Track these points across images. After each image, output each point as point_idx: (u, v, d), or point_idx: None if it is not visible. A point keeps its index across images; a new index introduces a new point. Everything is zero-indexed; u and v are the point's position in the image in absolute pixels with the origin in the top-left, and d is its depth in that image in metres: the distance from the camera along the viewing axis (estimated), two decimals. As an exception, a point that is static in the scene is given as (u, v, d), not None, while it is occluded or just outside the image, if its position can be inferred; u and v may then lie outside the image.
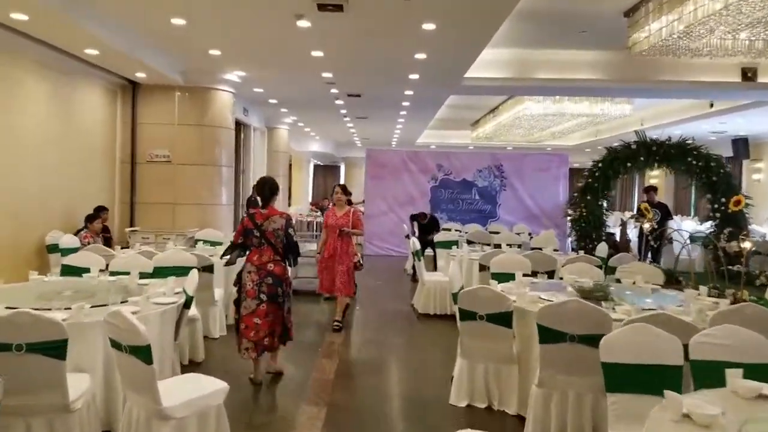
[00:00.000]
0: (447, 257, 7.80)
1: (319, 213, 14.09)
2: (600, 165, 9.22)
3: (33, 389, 2.85)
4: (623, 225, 9.35)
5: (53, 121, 7.28)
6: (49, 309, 3.38)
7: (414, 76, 8.86)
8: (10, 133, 6.46)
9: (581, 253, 7.57)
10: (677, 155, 9.06)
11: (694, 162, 9.03)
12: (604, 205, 9.42)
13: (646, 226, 8.43)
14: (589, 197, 9.26)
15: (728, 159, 13.89)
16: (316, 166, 27.14)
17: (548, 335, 3.48)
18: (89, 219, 7.03)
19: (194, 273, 4.29)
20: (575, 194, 9.69)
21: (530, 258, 5.91)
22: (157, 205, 8.88)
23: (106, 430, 3.39)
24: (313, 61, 7.82)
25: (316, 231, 11.93)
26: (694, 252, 10.19)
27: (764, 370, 2.66)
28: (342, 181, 26.73)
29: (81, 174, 7.95)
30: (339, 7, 5.55)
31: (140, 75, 8.22)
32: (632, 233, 11.89)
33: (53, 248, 6.51)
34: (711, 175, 9.05)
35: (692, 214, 17.55)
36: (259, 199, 4.68)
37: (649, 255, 9.08)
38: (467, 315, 4.09)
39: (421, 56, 7.54)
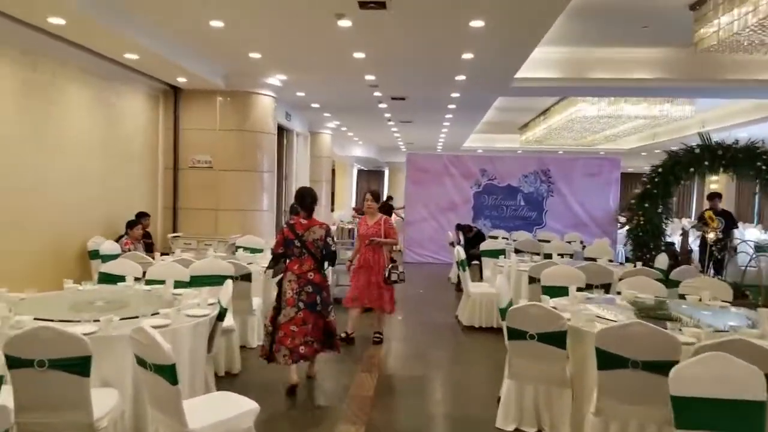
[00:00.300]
0: (494, 267, 7.43)
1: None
2: (660, 170, 8.67)
3: (56, 407, 2.71)
4: (684, 234, 8.75)
5: (96, 127, 7.33)
6: (79, 321, 3.27)
7: (461, 78, 8.55)
8: (53, 139, 6.52)
9: (639, 264, 7.07)
10: (745, 159, 8.41)
11: (764, 167, 8.37)
12: (664, 212, 8.84)
13: (711, 235, 7.86)
14: (647, 204, 8.71)
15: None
16: (359, 171, 27.09)
17: (608, 360, 3.14)
18: (130, 225, 7.03)
19: (228, 284, 4.13)
20: (632, 201, 9.14)
21: (584, 270, 5.51)
22: (200, 210, 8.86)
23: (134, 448, 3.26)
24: (355, 63, 7.63)
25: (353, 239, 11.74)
26: (762, 263, 9.49)
27: None
28: (386, 187, 26.59)
29: (123, 180, 8.00)
30: (381, 5, 5.32)
31: (181, 80, 8.22)
32: (693, 243, 11.20)
33: (95, 254, 6.53)
34: None
35: (756, 221, 16.51)
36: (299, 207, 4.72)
37: (711, 266, 8.48)
38: (516, 334, 3.78)
39: (468, 56, 7.24)
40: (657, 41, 8.26)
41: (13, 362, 2.64)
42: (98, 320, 3.24)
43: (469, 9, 5.55)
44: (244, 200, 8.92)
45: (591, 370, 3.55)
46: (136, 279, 4.72)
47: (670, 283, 5.35)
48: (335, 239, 5.27)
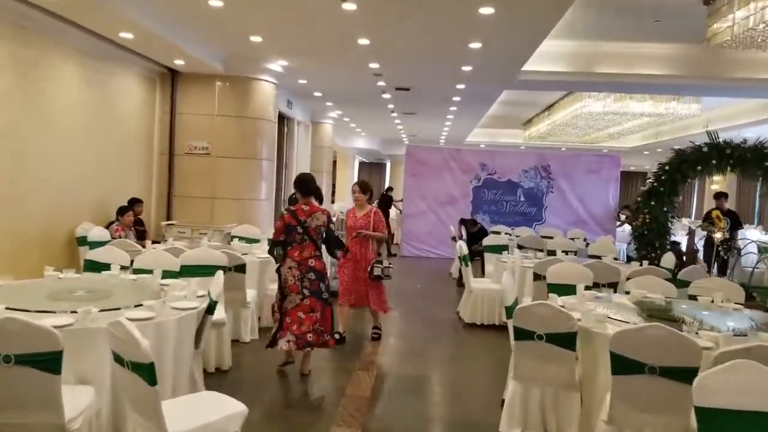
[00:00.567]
0: (497, 263, 7.21)
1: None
2: (667, 168, 8.43)
3: (23, 406, 2.48)
4: (691, 234, 8.53)
5: (88, 108, 7.06)
6: (54, 312, 3.05)
7: (467, 68, 8.29)
8: (43, 119, 6.25)
9: (645, 263, 6.85)
10: (753, 159, 8.16)
11: None
12: (670, 211, 8.61)
13: (718, 235, 7.65)
14: (653, 202, 8.47)
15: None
16: (361, 164, 26.83)
17: (623, 365, 2.93)
18: (121, 211, 6.78)
19: (219, 275, 3.90)
20: (639, 198, 8.92)
21: (591, 268, 5.28)
22: (195, 198, 8.62)
23: (112, 450, 3.04)
24: (359, 49, 7.38)
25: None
26: (755, 263, 9.27)
27: None
28: (387, 180, 26.33)
29: (116, 164, 7.73)
30: (388, -13, 5.08)
31: (179, 62, 7.95)
32: (698, 243, 10.98)
33: (83, 241, 6.29)
34: None
35: (756, 222, 16.34)
36: (299, 194, 4.63)
37: (715, 267, 8.28)
38: (524, 334, 3.56)
39: (476, 45, 6.98)
40: (668, 36, 8.05)
41: (-24, 356, 2.42)
42: (76, 311, 3.01)
43: (480, -6, 5.31)
44: (241, 189, 8.67)
45: (601, 373, 3.36)
46: (123, 268, 4.49)
47: (678, 283, 5.13)
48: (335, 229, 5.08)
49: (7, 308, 2.95)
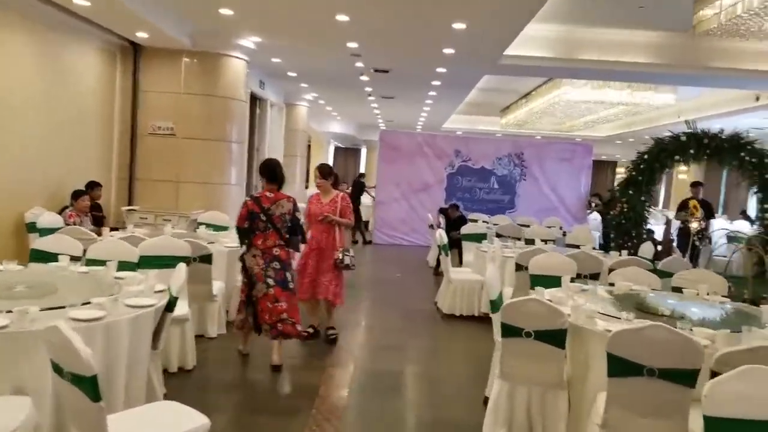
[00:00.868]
0: (476, 252, 6.98)
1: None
2: (646, 157, 8.31)
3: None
4: (668, 223, 8.46)
5: (39, 83, 6.50)
6: (-14, 311, 2.68)
7: (449, 51, 7.99)
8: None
9: (624, 253, 6.71)
10: (730, 149, 8.12)
11: (747, 157, 8.11)
12: (647, 200, 8.50)
13: (694, 225, 7.57)
14: (631, 191, 8.35)
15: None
16: (336, 149, 26.34)
17: (620, 367, 2.72)
18: (76, 195, 6.29)
19: (181, 268, 3.55)
20: (617, 187, 8.81)
21: (573, 258, 5.09)
22: (159, 182, 8.15)
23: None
24: (337, 26, 7.00)
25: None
26: (731, 253, 9.27)
27: None
28: (362, 166, 25.90)
29: (71, 145, 7.19)
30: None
31: (141, 35, 7.43)
32: (672, 232, 10.98)
33: (33, 228, 5.80)
34: (764, 173, 8.12)
35: (721, 212, 16.60)
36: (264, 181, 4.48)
37: (687, 256, 8.22)
38: (511, 331, 3.32)
39: (460, 26, 6.67)
40: (651, 24, 7.94)
41: None
42: (11, 311, 2.65)
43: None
44: (209, 172, 8.23)
45: (592, 372, 3.17)
46: (74, 258, 4.10)
47: (659, 274, 4.98)
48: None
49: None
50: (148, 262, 4.34)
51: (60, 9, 6.20)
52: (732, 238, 9.73)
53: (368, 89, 12.13)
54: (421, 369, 4.81)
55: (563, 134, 17.93)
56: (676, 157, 8.27)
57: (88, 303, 2.98)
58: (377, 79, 10.70)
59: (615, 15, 7.61)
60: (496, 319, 3.83)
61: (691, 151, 8.15)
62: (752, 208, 14.45)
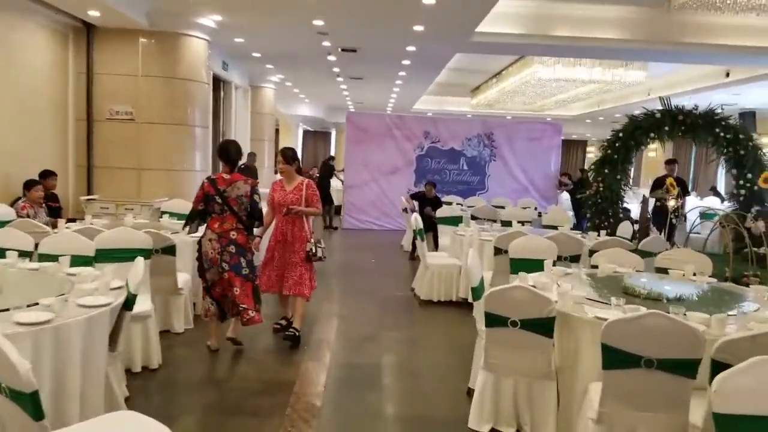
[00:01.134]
0: (453, 236, 6.81)
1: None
2: (621, 135, 8.22)
3: None
4: (645, 201, 8.43)
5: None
6: None
7: (419, 28, 7.72)
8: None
9: (603, 234, 6.64)
10: (705, 126, 8.09)
11: (722, 134, 8.10)
12: (623, 178, 8.44)
13: (672, 203, 7.52)
14: (607, 170, 8.27)
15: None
16: (305, 132, 25.85)
17: (616, 358, 2.57)
18: (28, 185, 5.89)
19: (140, 262, 3.28)
20: (591, 166, 8.73)
21: (553, 240, 4.96)
22: (119, 170, 7.72)
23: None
24: (302, 2, 6.66)
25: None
26: (709, 231, 9.34)
27: None
28: (332, 150, 25.51)
29: (22, 132, 6.74)
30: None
31: (94, 14, 6.96)
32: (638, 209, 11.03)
33: (-20, 221, 5.41)
34: (739, 149, 8.13)
35: (690, 188, 16.81)
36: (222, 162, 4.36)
37: (665, 234, 8.23)
38: (496, 320, 3.16)
39: (429, 1, 6.41)
40: (625, -1, 7.79)
41: None
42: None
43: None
44: (172, 158, 7.84)
45: (582, 362, 3.04)
46: (24, 254, 3.77)
47: (640, 254, 4.88)
48: (261, 198, 4.52)
49: None
50: (105, 256, 4.05)
51: (1, -16, 5.75)
52: (704, 215, 9.79)
53: (336, 70, 11.79)
54: (400, 360, 4.63)
55: (534, 114, 17.88)
56: (651, 135, 8.20)
57: (36, 304, 2.69)
58: (345, 59, 10.37)
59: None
60: (479, 307, 3.67)
61: (666, 128, 8.10)
62: (721, 184, 14.68)
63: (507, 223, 7.38)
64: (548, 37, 8.34)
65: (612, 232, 6.89)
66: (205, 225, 4.33)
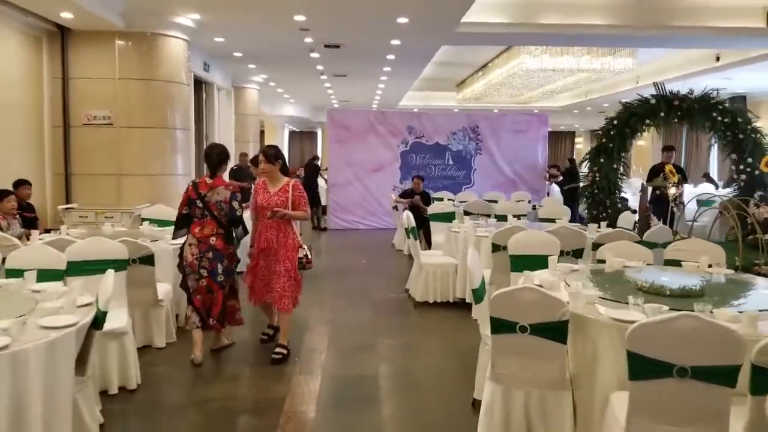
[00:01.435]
0: (447, 233, 6.54)
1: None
2: (615, 122, 8.01)
3: None
4: (644, 190, 8.22)
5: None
6: None
7: (403, 20, 7.47)
8: None
9: (603, 225, 6.43)
10: (701, 110, 7.90)
11: (719, 118, 7.91)
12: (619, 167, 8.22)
13: (672, 191, 7.30)
14: (602, 159, 8.06)
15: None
16: (291, 133, 25.53)
17: (644, 368, 2.28)
18: (0, 196, 5.59)
19: (109, 275, 3.00)
20: (586, 155, 8.52)
21: (555, 234, 4.70)
22: (99, 176, 7.41)
23: None
24: (281, -2, 6.39)
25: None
26: (703, 218, 9.16)
27: None
28: (319, 149, 25.18)
29: (-4, 140, 6.48)
30: None
31: (67, 16, 6.65)
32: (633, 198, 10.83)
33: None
34: (738, 133, 7.94)
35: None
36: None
37: (667, 223, 8.03)
38: (503, 326, 2.89)
39: (413, -10, 6.17)
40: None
41: None
42: None
43: None
44: (152, 163, 7.53)
45: (601, 369, 2.77)
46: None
47: (646, 246, 4.64)
48: (242, 205, 4.32)
49: None
50: (77, 268, 3.76)
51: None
52: (702, 202, 9.59)
53: (320, 67, 11.51)
54: (398, 370, 4.33)
55: (520, 106, 17.70)
56: (647, 121, 7.99)
57: (-10, 328, 2.40)
58: (328, 56, 10.10)
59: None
60: (481, 310, 3.41)
61: (662, 114, 7.88)
62: (714, 170, 14.56)
63: (501, 218, 7.14)
64: (536, 26, 8.13)
65: (612, 223, 6.67)
66: (188, 230, 4.24)
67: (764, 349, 2.07)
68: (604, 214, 7.84)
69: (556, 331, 2.79)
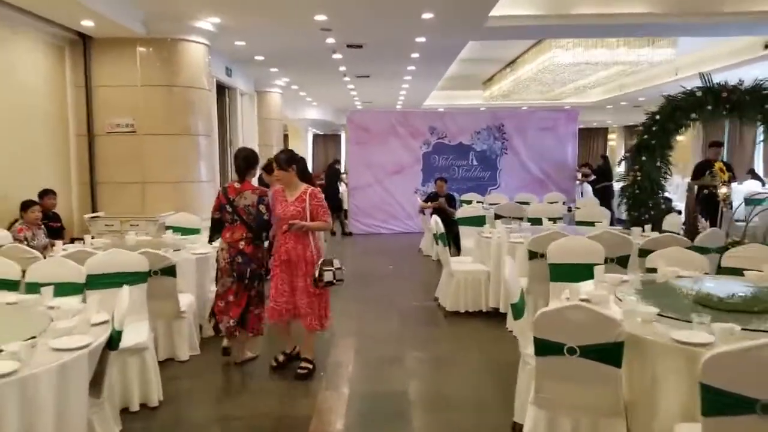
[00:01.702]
0: (478, 238, 6.24)
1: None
2: (658, 117, 7.56)
3: None
4: (691, 190, 7.72)
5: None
6: None
7: (428, 15, 7.21)
8: None
9: (648, 228, 6.02)
10: (752, 102, 7.32)
11: None
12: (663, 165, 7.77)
13: (723, 190, 6.85)
14: (644, 157, 7.61)
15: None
16: (315, 136, 25.46)
17: (722, 402, 1.98)
18: (24, 206, 5.51)
19: (124, 292, 2.83)
20: (626, 154, 8.09)
21: (598, 240, 4.38)
22: (123, 185, 7.34)
23: None
24: (302, -3, 6.20)
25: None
26: (755, 218, 8.65)
27: None
28: (343, 152, 25.02)
29: (20, 150, 6.41)
30: None
31: (87, 24, 6.59)
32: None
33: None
34: None
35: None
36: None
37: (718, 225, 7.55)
38: (548, 348, 2.61)
39: (439, -17, 5.92)
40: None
41: None
42: None
43: None
44: (176, 170, 7.43)
45: (662, 396, 2.46)
46: (9, 285, 3.35)
47: (698, 252, 4.27)
48: (270, 208, 4.22)
49: None
50: (97, 282, 3.63)
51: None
52: (750, 201, 9.06)
53: (342, 69, 11.30)
54: (429, 386, 4.08)
55: (551, 102, 17.18)
56: (692, 115, 7.50)
57: (1, 351, 2.25)
58: (351, 56, 9.88)
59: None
60: (520, 326, 3.15)
61: (709, 107, 7.37)
62: (759, 166, 13.86)
63: (536, 221, 6.82)
64: (569, 17, 7.75)
65: (656, 226, 6.28)
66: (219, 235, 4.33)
67: None
68: (647, 216, 7.42)
69: (609, 353, 2.51)
